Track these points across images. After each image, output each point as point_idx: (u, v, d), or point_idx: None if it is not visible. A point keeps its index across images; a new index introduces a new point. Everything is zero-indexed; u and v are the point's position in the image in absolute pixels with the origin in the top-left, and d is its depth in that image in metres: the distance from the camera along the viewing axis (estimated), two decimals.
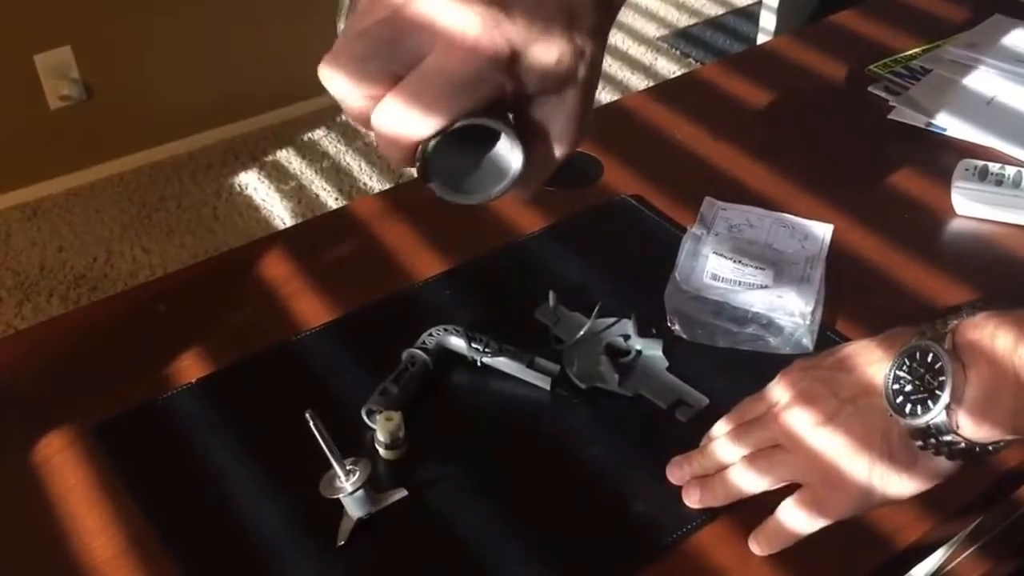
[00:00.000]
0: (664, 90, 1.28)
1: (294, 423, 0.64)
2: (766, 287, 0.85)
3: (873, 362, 0.60)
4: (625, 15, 3.04)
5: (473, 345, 0.78)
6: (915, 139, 1.08)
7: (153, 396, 0.77)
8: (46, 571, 0.67)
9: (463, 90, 0.44)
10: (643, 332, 0.81)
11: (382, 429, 0.71)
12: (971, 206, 0.95)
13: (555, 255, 0.91)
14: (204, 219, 2.28)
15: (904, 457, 0.58)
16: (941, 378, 0.54)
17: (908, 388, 0.57)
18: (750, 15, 3.00)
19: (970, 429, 0.54)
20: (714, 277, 0.86)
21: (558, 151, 0.49)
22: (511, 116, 0.48)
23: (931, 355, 0.56)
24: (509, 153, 0.47)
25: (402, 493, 0.68)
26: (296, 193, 2.36)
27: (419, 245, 0.92)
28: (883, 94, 1.13)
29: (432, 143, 0.45)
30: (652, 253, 0.90)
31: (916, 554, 0.70)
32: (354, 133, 2.54)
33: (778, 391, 0.65)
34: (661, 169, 1.02)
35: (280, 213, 2.31)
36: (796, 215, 0.95)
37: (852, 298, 0.87)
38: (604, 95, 2.63)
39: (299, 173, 2.43)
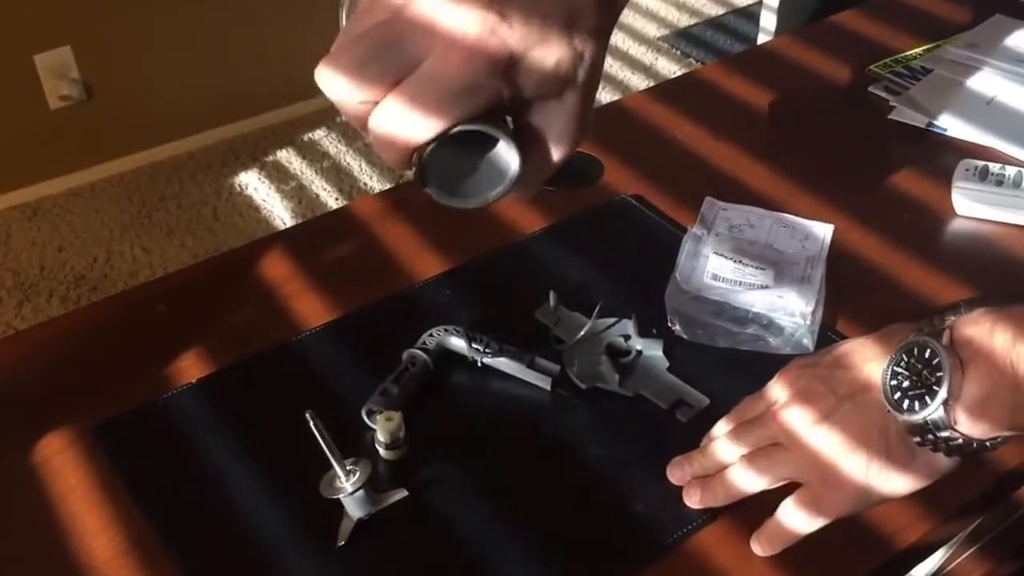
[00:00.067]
0: (664, 90, 1.28)
1: (294, 423, 0.64)
2: (766, 287, 0.85)
3: (871, 359, 0.60)
4: (625, 15, 3.04)
5: (473, 345, 0.78)
6: (915, 139, 1.08)
7: (153, 396, 0.77)
8: (46, 571, 0.67)
9: (461, 95, 0.44)
10: (643, 332, 0.81)
11: (382, 429, 0.71)
12: (971, 206, 0.95)
13: (555, 255, 0.91)
14: (204, 219, 2.28)
15: (902, 453, 0.58)
16: (939, 374, 0.54)
17: (906, 384, 0.57)
18: (750, 15, 3.00)
19: (968, 425, 0.54)
20: (714, 277, 0.86)
21: (557, 154, 0.49)
22: (509, 119, 0.48)
23: (928, 351, 0.56)
24: (506, 157, 0.47)
25: (402, 493, 0.68)
26: (296, 193, 2.36)
27: (419, 245, 0.92)
28: (883, 94, 1.13)
29: (429, 148, 0.45)
30: (652, 253, 0.90)
31: (916, 554, 0.70)
32: (354, 133, 2.54)
33: (777, 390, 0.65)
34: (662, 169, 1.02)
35: (280, 213, 2.31)
36: (797, 215, 0.94)
37: (852, 298, 0.87)
38: (604, 95, 2.62)
39: (299, 173, 2.43)
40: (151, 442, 0.74)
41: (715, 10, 3.13)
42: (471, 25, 0.43)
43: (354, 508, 0.66)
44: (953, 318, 0.57)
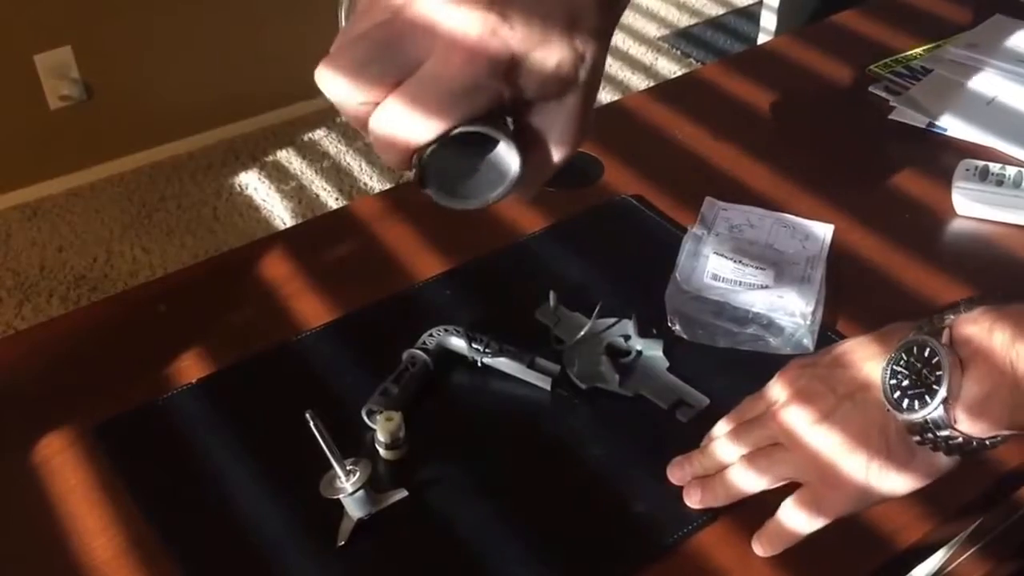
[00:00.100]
0: (665, 90, 1.28)
1: (294, 423, 0.64)
2: (767, 287, 0.85)
3: (870, 358, 0.60)
4: (625, 15, 3.03)
5: (473, 345, 0.77)
6: (916, 139, 1.08)
7: (153, 396, 0.77)
8: (46, 571, 0.67)
9: (461, 97, 0.44)
10: (644, 332, 0.81)
11: (382, 429, 0.71)
12: (972, 206, 0.95)
13: (556, 255, 0.91)
14: (204, 219, 2.28)
15: (901, 453, 0.58)
16: (938, 373, 0.54)
17: (905, 383, 0.57)
18: (751, 15, 3.00)
19: (967, 424, 0.54)
20: (715, 277, 0.86)
21: (557, 155, 0.49)
22: (510, 120, 0.47)
23: (928, 350, 0.56)
24: (507, 159, 0.47)
25: (402, 493, 0.68)
26: (296, 193, 2.36)
27: (419, 245, 0.92)
28: (884, 94, 1.13)
29: (429, 149, 0.45)
30: (653, 253, 0.90)
31: (917, 555, 0.70)
32: (354, 133, 2.53)
33: (776, 390, 0.65)
34: (662, 169, 1.02)
35: (280, 213, 2.30)
36: (797, 215, 0.94)
37: (853, 298, 0.87)
38: (605, 95, 2.62)
39: (299, 173, 2.43)
40: (151, 442, 0.74)
41: (715, 10, 3.13)
42: (472, 26, 0.43)
43: (354, 508, 0.66)
44: (952, 317, 0.57)
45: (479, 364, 0.78)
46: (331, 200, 2.35)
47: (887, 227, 0.95)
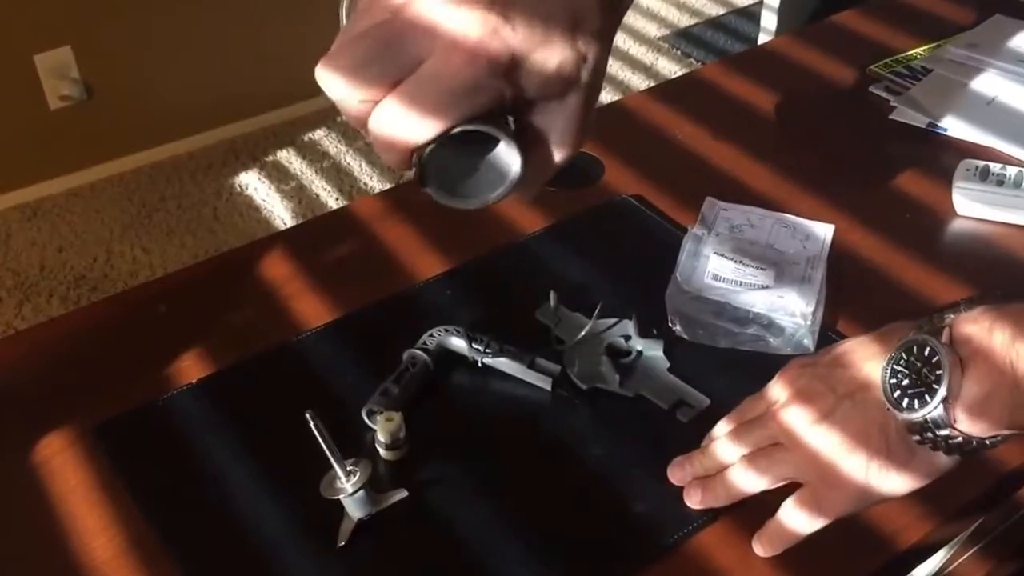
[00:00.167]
0: (665, 90, 1.28)
1: (294, 424, 0.64)
2: (767, 287, 0.85)
3: (870, 357, 0.60)
4: (626, 15, 3.03)
5: (474, 346, 0.77)
6: (916, 139, 1.08)
7: (153, 396, 0.77)
8: (46, 571, 0.67)
9: (461, 96, 0.44)
10: (644, 332, 0.81)
11: (383, 430, 0.71)
12: (972, 206, 0.95)
13: (556, 255, 0.91)
14: (204, 219, 2.28)
15: (901, 452, 0.58)
16: (938, 372, 0.54)
17: (905, 382, 0.57)
18: (751, 15, 3.00)
19: (967, 423, 0.54)
20: (715, 277, 0.86)
21: (558, 155, 0.49)
22: (511, 120, 0.47)
23: (928, 349, 0.56)
24: (507, 158, 0.47)
25: (403, 494, 0.68)
26: (296, 193, 2.36)
27: (420, 245, 0.92)
28: (884, 94, 1.13)
29: (429, 148, 0.45)
30: (653, 253, 0.90)
31: (917, 555, 0.70)
32: (355, 133, 2.53)
33: (776, 390, 0.65)
34: (662, 169, 1.02)
35: (280, 213, 2.30)
36: (797, 215, 0.94)
37: (853, 298, 0.87)
38: (605, 95, 2.62)
39: (299, 173, 2.43)
40: (151, 442, 0.74)
41: (716, 10, 3.13)
42: (473, 26, 0.43)
43: (354, 508, 0.66)
44: (952, 316, 0.57)
45: (479, 364, 0.78)
46: (331, 200, 2.35)
47: (887, 227, 0.95)
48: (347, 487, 0.65)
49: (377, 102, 0.45)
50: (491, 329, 0.79)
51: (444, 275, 0.88)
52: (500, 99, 0.45)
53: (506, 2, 0.43)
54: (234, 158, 2.47)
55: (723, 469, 0.67)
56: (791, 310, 0.83)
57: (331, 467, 0.65)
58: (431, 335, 0.79)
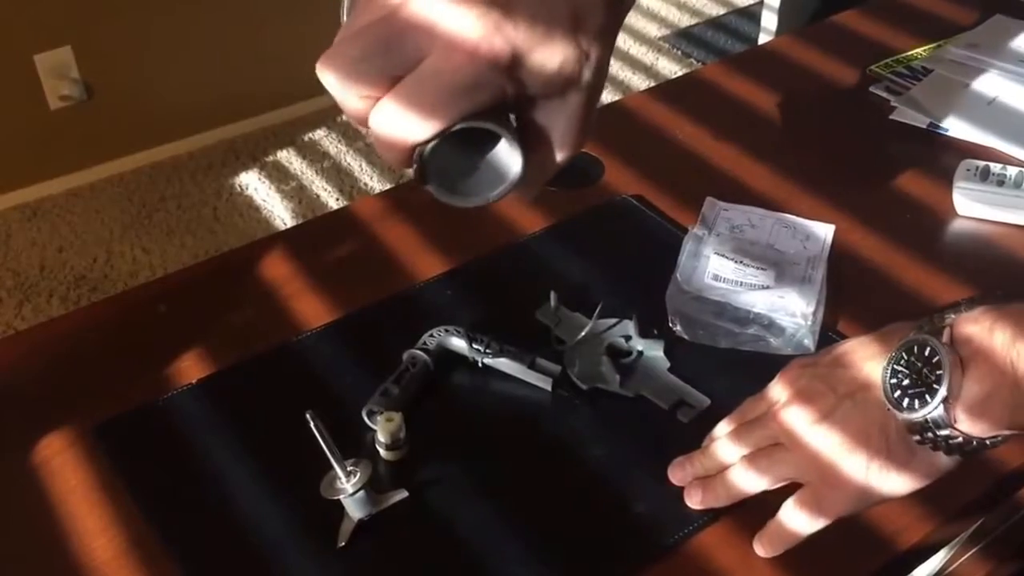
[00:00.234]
0: (665, 90, 1.28)
1: (295, 424, 0.64)
2: (767, 288, 0.85)
3: (870, 357, 0.60)
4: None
5: (474, 346, 0.77)
6: (916, 139, 1.08)
7: (153, 397, 0.77)
8: (46, 571, 0.67)
9: (462, 94, 0.43)
10: (644, 333, 0.81)
11: (383, 430, 0.71)
12: (972, 206, 0.95)
13: (556, 255, 0.91)
14: (204, 219, 2.28)
15: (902, 452, 0.58)
16: (938, 372, 0.54)
17: (906, 382, 0.57)
18: (751, 15, 3.00)
19: (967, 423, 0.54)
20: (715, 278, 0.86)
21: (560, 155, 0.49)
22: (512, 118, 0.47)
23: (928, 349, 0.56)
24: (509, 156, 0.46)
25: (403, 494, 0.68)
26: (297, 193, 2.36)
27: (420, 245, 0.92)
28: (884, 94, 1.13)
29: (430, 145, 0.45)
30: (653, 253, 0.90)
31: (918, 555, 0.70)
32: (355, 133, 2.53)
33: (777, 390, 0.65)
34: (662, 169, 1.02)
35: (281, 213, 2.30)
36: (798, 215, 0.94)
37: (853, 298, 0.87)
38: (605, 95, 2.61)
39: (300, 173, 2.43)
40: (151, 442, 0.74)
41: (716, 10, 3.13)
42: (475, 22, 0.43)
43: (354, 509, 0.66)
44: (953, 316, 0.56)
45: (480, 365, 0.78)
46: (331, 200, 2.35)
47: (888, 227, 0.95)
48: (347, 487, 0.65)
49: (377, 99, 0.44)
50: (491, 329, 0.79)
51: (444, 275, 0.88)
52: (501, 96, 0.44)
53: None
54: (234, 158, 2.47)
55: (724, 469, 0.67)
56: (791, 310, 0.83)
57: (331, 467, 0.65)
58: (431, 335, 0.79)
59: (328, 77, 0.44)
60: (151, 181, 2.39)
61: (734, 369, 0.79)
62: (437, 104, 0.43)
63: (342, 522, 0.67)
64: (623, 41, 2.92)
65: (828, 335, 0.82)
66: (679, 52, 2.91)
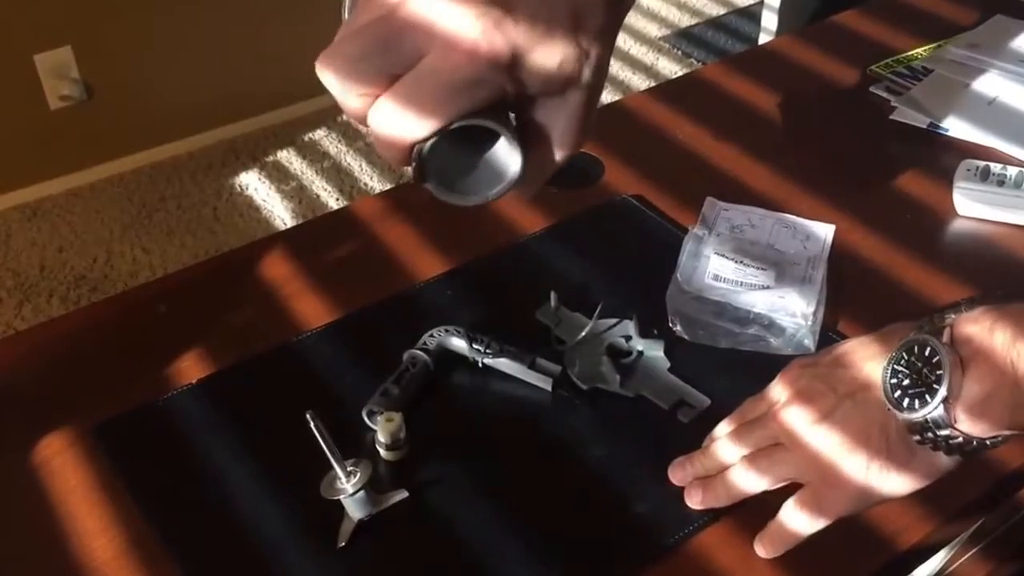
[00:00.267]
0: (666, 90, 1.28)
1: (295, 424, 0.64)
2: (768, 288, 0.85)
3: (871, 357, 0.60)
4: (627, 15, 3.03)
5: (474, 346, 0.77)
6: (917, 139, 1.08)
7: (153, 397, 0.77)
8: (46, 571, 0.67)
9: (461, 92, 0.43)
10: (645, 333, 0.81)
11: (383, 430, 0.71)
12: (973, 207, 0.95)
13: (556, 255, 0.91)
14: (204, 219, 2.28)
15: (902, 452, 0.58)
16: (938, 372, 0.54)
17: (906, 382, 0.57)
18: (752, 15, 3.00)
19: (967, 423, 0.54)
20: (716, 278, 0.86)
21: (559, 154, 0.49)
22: (512, 117, 0.47)
23: (928, 349, 0.56)
24: (508, 155, 0.46)
25: (403, 494, 0.68)
26: (297, 193, 2.36)
27: (420, 245, 0.92)
28: (885, 94, 1.13)
29: (429, 143, 0.44)
30: (653, 253, 0.90)
31: (918, 555, 0.70)
32: (355, 133, 2.54)
33: (777, 390, 0.65)
34: (662, 169, 1.02)
35: (281, 213, 2.30)
36: (798, 215, 0.94)
37: (854, 299, 0.87)
38: (605, 95, 2.61)
39: (300, 173, 2.43)
40: (151, 442, 0.74)
41: (716, 10, 3.13)
42: (475, 21, 0.43)
43: (355, 509, 0.66)
44: (953, 316, 0.56)
45: (480, 365, 0.78)
46: (331, 200, 2.35)
47: (888, 227, 0.95)
48: (347, 487, 0.65)
49: (375, 97, 0.44)
50: (491, 329, 0.79)
51: (444, 275, 0.88)
52: (501, 95, 0.44)
53: None
54: (234, 158, 2.47)
55: (724, 469, 0.67)
56: (792, 310, 0.83)
57: (331, 467, 0.65)
58: (431, 335, 0.79)
59: (327, 75, 0.44)
60: (151, 181, 2.39)
61: (734, 369, 0.79)
62: (435, 102, 0.43)
63: (342, 522, 0.67)
64: (623, 41, 2.92)
65: (828, 335, 0.82)
66: (679, 52, 2.91)
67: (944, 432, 0.55)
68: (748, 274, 0.86)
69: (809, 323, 0.82)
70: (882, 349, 0.60)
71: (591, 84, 0.47)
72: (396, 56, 0.43)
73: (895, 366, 0.58)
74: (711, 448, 0.68)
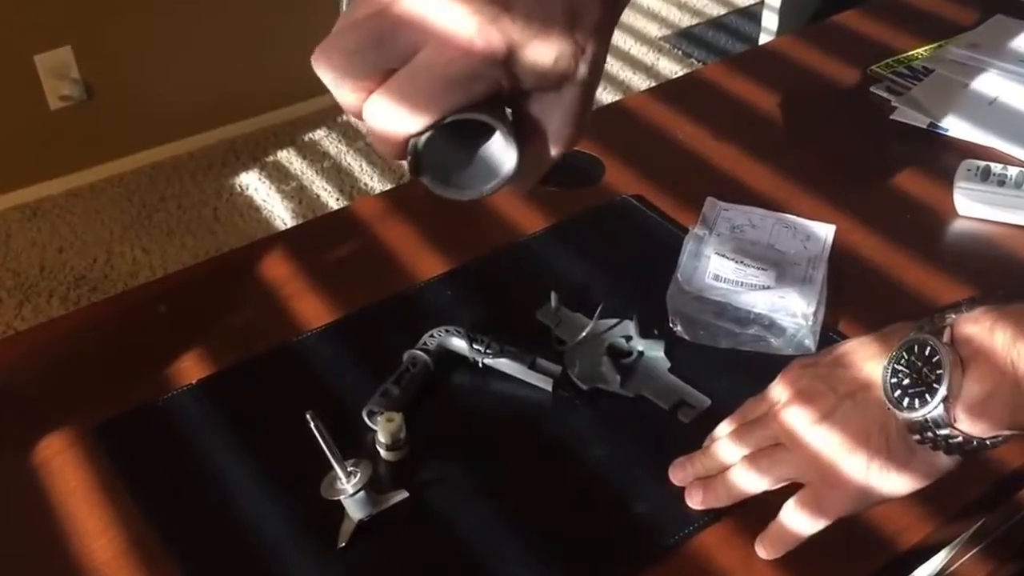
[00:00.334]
0: (666, 90, 1.28)
1: (295, 424, 0.64)
2: (768, 288, 0.85)
3: (871, 357, 0.60)
4: (627, 15, 3.03)
5: (474, 346, 0.77)
6: (917, 139, 1.08)
7: (153, 397, 0.77)
8: (46, 572, 0.67)
9: (455, 86, 0.43)
10: (645, 333, 0.81)
11: (383, 430, 0.71)
12: (973, 207, 0.95)
13: (557, 256, 0.91)
14: (205, 220, 2.28)
15: (902, 452, 0.58)
16: (939, 371, 0.54)
17: (906, 382, 0.57)
18: (752, 15, 3.00)
19: (967, 423, 0.54)
20: (716, 278, 0.86)
21: (554, 149, 0.49)
22: (508, 112, 0.47)
23: (929, 348, 0.56)
24: (503, 149, 0.46)
25: (403, 494, 0.68)
26: (297, 193, 2.36)
27: (420, 245, 0.92)
28: (885, 94, 1.13)
29: (424, 137, 0.44)
30: (654, 254, 0.90)
31: (919, 556, 0.70)
32: (355, 133, 2.53)
33: (778, 390, 0.65)
34: (663, 169, 1.02)
35: (281, 214, 2.30)
36: (798, 215, 0.94)
37: (854, 299, 0.86)
38: (606, 95, 2.62)
39: (300, 173, 2.43)
40: (151, 443, 0.74)
41: (717, 10, 3.13)
42: (471, 16, 0.43)
43: (355, 509, 0.66)
44: (954, 316, 0.56)
45: (480, 365, 0.78)
46: (332, 200, 2.35)
47: (889, 227, 0.95)
48: (348, 488, 0.65)
49: (370, 91, 0.44)
50: (492, 330, 0.79)
51: (445, 275, 0.88)
52: (496, 89, 0.44)
53: None
54: (234, 158, 2.47)
55: (724, 470, 0.67)
56: (792, 310, 0.83)
57: (331, 468, 0.65)
58: (431, 336, 0.79)
59: (323, 68, 0.45)
60: (151, 181, 2.39)
61: (735, 369, 0.79)
62: (430, 96, 0.43)
63: (342, 522, 0.67)
64: (623, 41, 2.92)
65: (829, 335, 0.82)
66: (680, 52, 2.91)
67: (944, 431, 0.55)
68: (748, 274, 0.86)
69: (809, 323, 0.82)
70: (882, 349, 0.60)
71: (586, 80, 0.47)
72: (391, 50, 0.44)
73: (895, 365, 0.58)
74: (712, 448, 0.68)
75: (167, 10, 2.31)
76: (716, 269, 0.86)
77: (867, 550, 0.67)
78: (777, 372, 0.66)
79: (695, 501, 0.69)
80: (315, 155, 2.49)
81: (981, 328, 0.54)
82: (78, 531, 0.68)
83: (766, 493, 0.65)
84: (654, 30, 3.02)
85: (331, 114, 2.56)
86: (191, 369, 0.79)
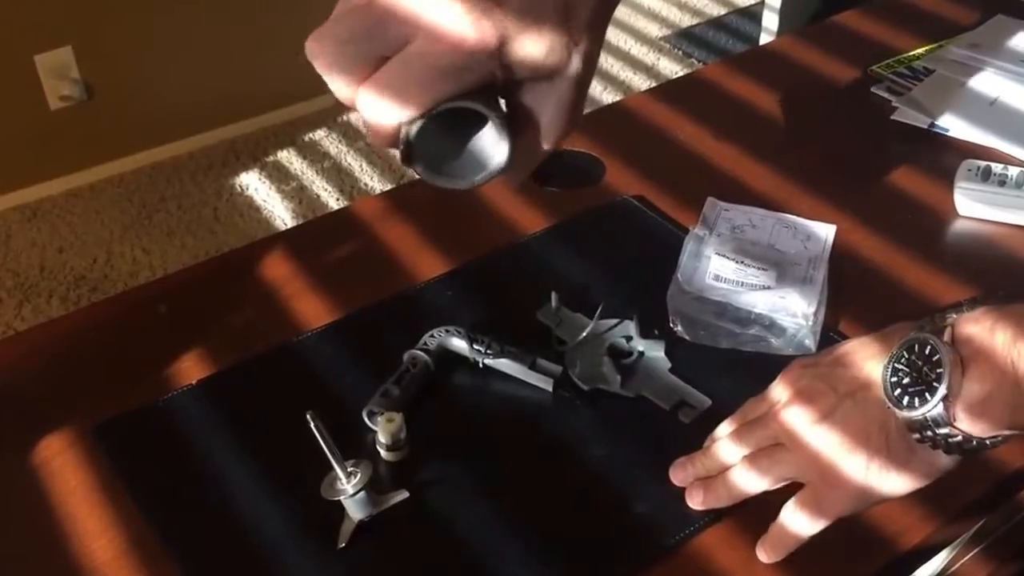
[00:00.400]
0: (666, 90, 1.28)
1: (295, 424, 0.64)
2: (769, 288, 0.85)
3: (871, 357, 0.60)
4: (627, 15, 3.04)
5: (475, 346, 0.77)
6: (918, 140, 1.07)
7: (153, 397, 0.77)
8: (46, 572, 0.67)
9: (447, 76, 0.44)
10: (645, 333, 0.81)
11: (383, 431, 0.71)
12: (973, 207, 0.95)
13: (557, 256, 0.91)
14: (205, 220, 2.28)
15: (901, 451, 0.58)
16: (939, 370, 0.54)
17: (906, 381, 0.57)
18: (752, 15, 3.00)
19: (967, 423, 0.54)
20: (716, 278, 0.86)
21: (546, 141, 0.49)
22: (502, 102, 0.47)
23: (929, 348, 0.56)
24: (495, 140, 0.46)
25: (403, 495, 0.68)
26: (297, 194, 2.36)
27: (420, 246, 0.92)
28: (886, 94, 1.13)
29: (416, 126, 0.44)
30: (654, 254, 0.90)
31: (919, 556, 0.70)
32: (355, 133, 2.54)
33: (778, 390, 0.65)
34: (663, 169, 1.02)
35: (281, 214, 2.30)
36: (799, 215, 0.94)
37: (855, 299, 0.86)
38: (606, 95, 2.62)
39: (300, 173, 2.43)
40: (151, 443, 0.74)
41: (717, 10, 3.13)
42: (464, 8, 0.43)
43: (355, 510, 0.66)
44: (954, 316, 0.57)
45: (480, 365, 0.78)
46: (332, 200, 2.34)
47: (889, 227, 0.94)
48: (348, 488, 0.65)
49: (363, 80, 0.44)
50: (492, 330, 0.79)
51: (445, 276, 0.88)
52: (489, 79, 0.45)
53: None
54: (234, 158, 2.47)
55: (725, 470, 0.67)
56: (793, 311, 0.83)
57: (332, 468, 0.65)
58: (432, 336, 0.78)
59: (315, 56, 0.45)
60: (151, 181, 2.39)
61: (735, 370, 0.79)
62: (422, 84, 0.43)
63: (342, 523, 0.67)
64: (624, 41, 2.92)
65: (829, 335, 0.82)
66: (680, 52, 2.91)
67: (943, 430, 0.55)
68: (749, 274, 0.86)
69: (810, 323, 0.82)
70: (883, 349, 0.60)
71: (579, 73, 0.47)
72: (384, 40, 0.44)
73: (895, 364, 0.58)
74: (712, 448, 0.68)
75: (167, 10, 2.31)
76: (716, 269, 0.86)
77: (867, 550, 0.67)
78: (777, 372, 0.66)
79: (695, 501, 0.68)
80: (315, 155, 2.49)
81: (982, 328, 0.54)
82: (78, 531, 0.68)
83: (766, 493, 0.65)
84: (654, 30, 3.02)
85: (331, 114, 2.56)
86: (191, 369, 0.79)
